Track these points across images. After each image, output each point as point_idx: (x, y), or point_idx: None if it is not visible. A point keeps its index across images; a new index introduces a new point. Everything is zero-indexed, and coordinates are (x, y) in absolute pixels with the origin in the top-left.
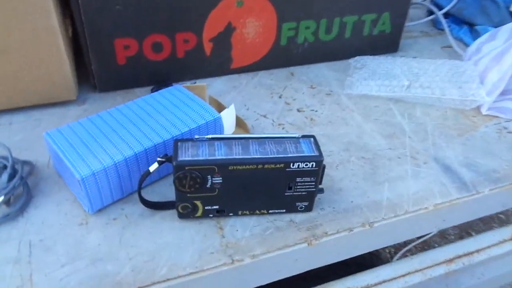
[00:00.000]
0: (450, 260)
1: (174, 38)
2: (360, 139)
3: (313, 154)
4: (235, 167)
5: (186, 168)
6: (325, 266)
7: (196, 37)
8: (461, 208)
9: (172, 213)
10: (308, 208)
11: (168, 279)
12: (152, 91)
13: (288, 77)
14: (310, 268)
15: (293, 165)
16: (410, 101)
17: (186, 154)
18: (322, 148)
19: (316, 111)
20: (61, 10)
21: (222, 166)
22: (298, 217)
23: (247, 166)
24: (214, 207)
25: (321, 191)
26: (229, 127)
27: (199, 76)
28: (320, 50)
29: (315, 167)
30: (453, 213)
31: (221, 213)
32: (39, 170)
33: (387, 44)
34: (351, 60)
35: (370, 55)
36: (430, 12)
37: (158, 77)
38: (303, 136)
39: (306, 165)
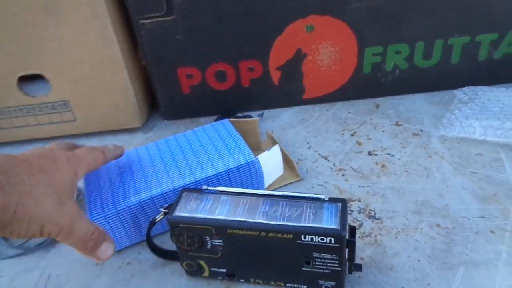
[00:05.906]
0: None
1: (237, 66)
2: (441, 199)
3: (332, 226)
4: (234, 231)
5: (180, 225)
6: None
7: (261, 65)
8: None
9: None
10: None
11: None
12: (216, 120)
13: (372, 109)
14: None
15: (304, 238)
16: None
17: (185, 209)
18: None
19: (393, 155)
20: (131, 40)
21: (219, 228)
22: None
23: (248, 232)
24: (221, 270)
25: (358, 268)
26: (271, 171)
27: (267, 106)
28: (415, 79)
29: (334, 243)
30: None
31: (230, 277)
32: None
33: None
34: (457, 91)
35: (486, 85)
36: None
37: (224, 106)
38: (330, 200)
39: (322, 239)
